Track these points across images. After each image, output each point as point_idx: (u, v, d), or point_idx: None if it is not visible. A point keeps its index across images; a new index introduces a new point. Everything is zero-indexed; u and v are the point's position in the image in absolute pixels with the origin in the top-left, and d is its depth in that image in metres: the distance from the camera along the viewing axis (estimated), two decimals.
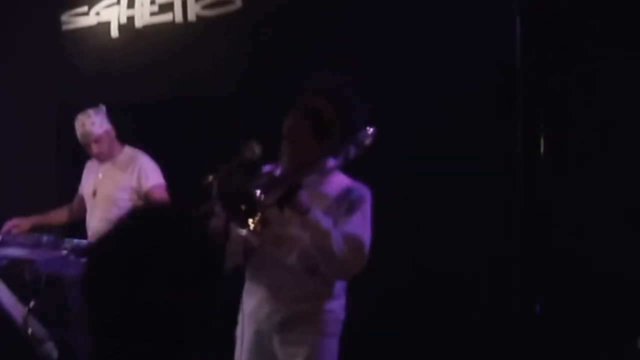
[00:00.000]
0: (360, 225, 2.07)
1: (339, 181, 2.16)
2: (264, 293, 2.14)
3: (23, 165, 4.03)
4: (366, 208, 2.11)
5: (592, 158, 2.65)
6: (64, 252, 2.98)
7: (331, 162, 2.12)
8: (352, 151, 2.10)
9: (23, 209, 3.44)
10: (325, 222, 2.01)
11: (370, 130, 2.11)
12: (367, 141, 2.10)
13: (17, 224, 3.24)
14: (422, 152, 2.89)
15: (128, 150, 3.32)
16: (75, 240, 3.10)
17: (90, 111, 3.24)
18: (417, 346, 2.79)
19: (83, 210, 3.34)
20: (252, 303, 2.18)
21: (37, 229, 3.28)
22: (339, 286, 2.18)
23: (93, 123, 3.19)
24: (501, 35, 2.71)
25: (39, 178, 3.67)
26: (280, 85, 3.15)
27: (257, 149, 2.09)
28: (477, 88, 2.77)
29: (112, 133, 3.27)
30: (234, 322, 2.20)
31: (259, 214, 1.84)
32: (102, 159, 3.27)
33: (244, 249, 2.14)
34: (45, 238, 3.14)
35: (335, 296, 2.17)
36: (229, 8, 3.47)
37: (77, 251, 2.99)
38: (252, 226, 1.84)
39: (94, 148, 3.20)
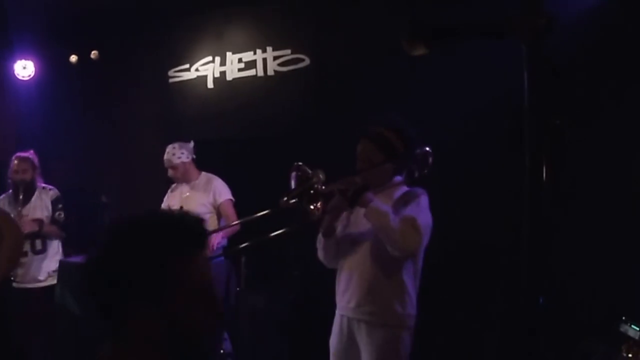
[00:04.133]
0: (414, 210, 2.20)
1: (402, 190, 2.35)
2: (346, 284, 2.33)
3: (141, 186, 4.52)
4: (420, 200, 2.25)
5: (585, 183, 2.99)
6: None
7: (397, 178, 2.34)
8: (416, 170, 2.27)
9: None
10: (384, 207, 2.17)
11: (426, 149, 2.24)
12: (428, 160, 2.23)
13: None
14: (448, 177, 3.04)
15: (205, 175, 3.90)
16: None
17: (175, 144, 3.81)
18: (431, 338, 2.93)
19: None
20: (339, 291, 2.37)
21: None
22: (410, 286, 2.27)
23: (174, 154, 3.79)
24: (512, 86, 2.91)
25: (153, 195, 4.09)
26: (340, 125, 3.48)
27: (322, 176, 2.25)
28: (493, 128, 3.16)
29: (189, 163, 3.80)
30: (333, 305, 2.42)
31: (320, 201, 2.20)
32: (176, 181, 3.87)
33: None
34: None
35: (405, 294, 2.26)
36: (300, 65, 4.04)
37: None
38: (313, 207, 2.20)
39: (170, 172, 3.83)
